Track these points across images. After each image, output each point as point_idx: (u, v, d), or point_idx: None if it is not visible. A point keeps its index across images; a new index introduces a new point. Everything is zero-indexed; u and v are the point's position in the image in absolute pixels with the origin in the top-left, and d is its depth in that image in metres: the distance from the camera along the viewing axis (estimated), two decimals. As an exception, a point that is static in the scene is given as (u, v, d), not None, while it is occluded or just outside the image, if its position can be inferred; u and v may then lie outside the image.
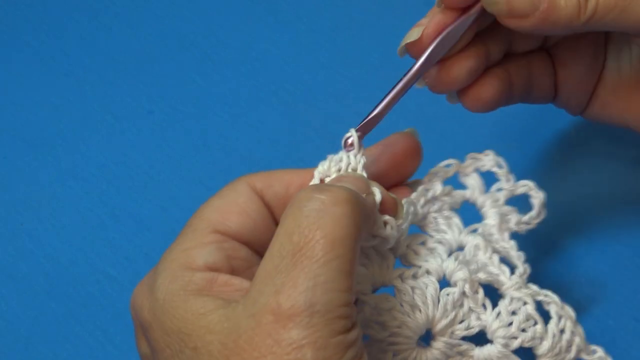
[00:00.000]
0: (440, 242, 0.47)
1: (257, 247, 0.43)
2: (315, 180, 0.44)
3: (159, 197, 0.63)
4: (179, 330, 0.39)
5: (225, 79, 0.69)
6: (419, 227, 0.48)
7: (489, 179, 0.49)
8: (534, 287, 0.46)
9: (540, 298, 0.45)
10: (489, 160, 0.48)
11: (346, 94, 0.66)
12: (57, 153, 0.66)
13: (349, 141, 0.45)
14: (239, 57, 0.70)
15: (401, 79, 0.46)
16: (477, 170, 0.49)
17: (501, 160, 0.48)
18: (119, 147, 0.66)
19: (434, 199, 0.48)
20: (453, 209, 0.48)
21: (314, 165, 0.46)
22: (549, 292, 0.46)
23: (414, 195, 0.47)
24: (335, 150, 0.46)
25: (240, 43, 0.71)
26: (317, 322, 0.36)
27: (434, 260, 0.45)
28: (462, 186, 0.49)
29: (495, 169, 0.48)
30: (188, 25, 0.73)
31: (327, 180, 0.44)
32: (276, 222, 0.44)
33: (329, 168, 0.45)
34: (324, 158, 0.46)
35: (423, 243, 0.47)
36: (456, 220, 0.48)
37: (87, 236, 0.62)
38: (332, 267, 0.36)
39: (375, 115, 0.46)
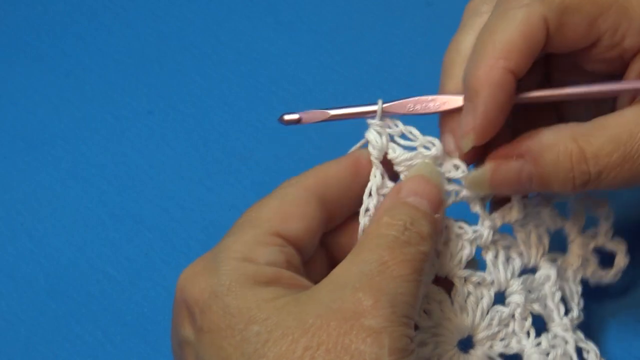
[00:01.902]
0: (521, 254, 0.48)
1: (305, 256, 0.44)
2: (377, 171, 0.45)
3: (159, 197, 0.63)
4: (241, 312, 0.39)
5: (225, 79, 0.69)
6: (512, 229, 0.49)
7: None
8: (579, 335, 0.47)
9: (581, 345, 0.47)
10: (602, 211, 0.49)
11: (346, 94, 0.66)
12: (57, 153, 0.66)
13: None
14: (239, 57, 0.70)
15: None
16: (586, 212, 0.50)
17: (611, 214, 0.49)
18: (119, 147, 0.66)
19: (537, 214, 0.48)
20: (548, 230, 0.49)
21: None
22: (591, 344, 0.47)
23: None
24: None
25: (240, 43, 0.71)
26: (395, 320, 0.39)
27: (504, 272, 0.47)
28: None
29: (602, 218, 0.49)
30: (188, 25, 0.73)
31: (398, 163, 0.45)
32: (324, 226, 0.45)
33: (400, 158, 0.45)
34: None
35: (508, 247, 0.48)
36: (546, 241, 0.49)
37: (87, 236, 0.62)
38: (410, 286, 0.40)
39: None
